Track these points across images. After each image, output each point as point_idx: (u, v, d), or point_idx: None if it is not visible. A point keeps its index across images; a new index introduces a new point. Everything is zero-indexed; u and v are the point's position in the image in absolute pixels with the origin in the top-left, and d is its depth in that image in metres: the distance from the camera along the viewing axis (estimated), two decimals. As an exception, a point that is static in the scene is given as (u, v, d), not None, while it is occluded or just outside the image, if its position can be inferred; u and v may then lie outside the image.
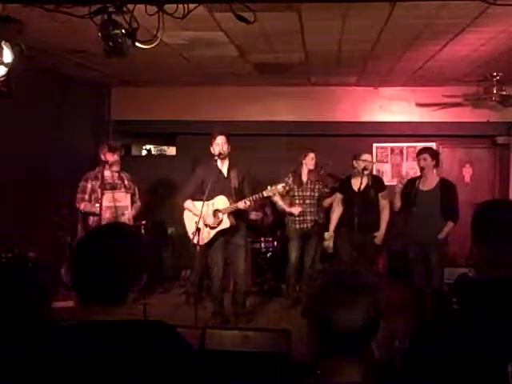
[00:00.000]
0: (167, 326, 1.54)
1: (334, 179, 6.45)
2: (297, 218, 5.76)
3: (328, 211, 5.94)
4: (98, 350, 1.40)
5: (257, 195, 4.93)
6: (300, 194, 5.75)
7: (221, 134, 4.98)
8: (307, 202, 5.74)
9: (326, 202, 5.95)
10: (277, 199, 5.73)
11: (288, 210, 5.73)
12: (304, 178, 5.80)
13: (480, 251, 1.65)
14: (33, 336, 1.46)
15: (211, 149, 5.02)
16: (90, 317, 1.49)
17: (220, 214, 4.98)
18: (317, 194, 5.80)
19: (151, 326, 1.54)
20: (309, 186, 5.77)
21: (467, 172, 7.56)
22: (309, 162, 5.74)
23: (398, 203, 5.29)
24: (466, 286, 1.65)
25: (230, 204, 4.95)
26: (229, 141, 5.01)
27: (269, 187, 4.93)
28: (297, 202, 5.76)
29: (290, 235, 5.88)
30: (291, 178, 5.76)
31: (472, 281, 1.66)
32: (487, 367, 1.40)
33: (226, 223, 5.00)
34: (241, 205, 4.90)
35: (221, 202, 4.98)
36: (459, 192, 5.24)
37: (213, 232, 5.02)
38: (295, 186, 5.74)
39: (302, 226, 5.76)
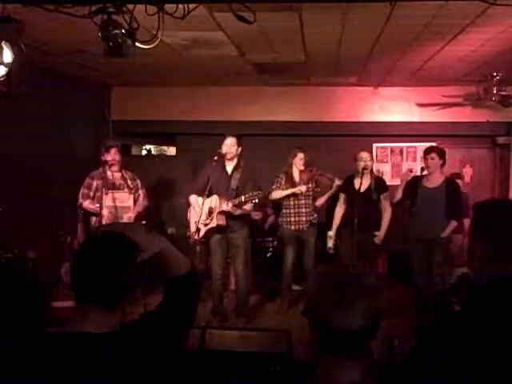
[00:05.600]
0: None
1: (327, 179, 6.27)
2: (292, 219, 5.66)
3: (329, 211, 5.90)
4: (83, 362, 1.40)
5: (238, 199, 4.93)
6: (293, 195, 5.64)
7: (232, 135, 5.09)
8: (301, 202, 5.63)
9: (319, 202, 5.81)
10: (277, 193, 5.63)
11: (294, 190, 5.54)
12: (296, 178, 5.68)
13: (479, 250, 1.65)
14: (23, 343, 1.46)
15: (221, 147, 5.08)
16: (87, 318, 1.50)
17: (212, 213, 5.03)
18: (311, 194, 5.70)
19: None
20: (302, 186, 5.65)
21: (467, 172, 7.56)
22: (298, 162, 5.64)
23: (399, 194, 5.30)
24: (467, 286, 1.65)
25: (219, 205, 4.98)
26: (239, 143, 5.10)
27: (248, 194, 4.90)
28: (291, 203, 5.65)
29: (285, 239, 5.79)
30: (284, 179, 5.68)
31: (472, 280, 1.65)
32: (490, 369, 1.39)
33: (213, 223, 5.04)
34: (223, 207, 4.93)
35: (214, 201, 5.03)
36: (462, 192, 5.25)
37: (205, 229, 5.07)
38: (288, 187, 5.63)
39: (296, 227, 5.66)
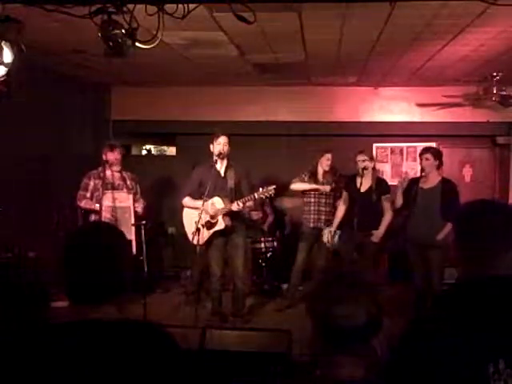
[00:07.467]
0: (154, 326, 1.52)
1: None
2: (311, 217, 5.74)
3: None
4: (82, 351, 1.39)
5: (249, 197, 4.92)
6: (315, 192, 5.73)
7: (224, 134, 5.04)
8: (322, 201, 5.74)
9: (339, 203, 5.84)
10: (298, 184, 5.73)
11: (318, 187, 5.66)
12: (320, 178, 5.78)
13: (464, 250, 1.64)
14: (23, 337, 1.45)
15: (211, 147, 5.06)
16: (81, 317, 1.48)
17: (215, 216, 4.99)
18: (332, 194, 5.78)
19: (135, 326, 1.52)
20: (327, 186, 5.73)
21: (467, 172, 7.56)
22: (324, 162, 5.73)
23: (399, 200, 5.29)
24: (453, 286, 1.64)
25: (225, 205, 4.96)
26: (229, 142, 5.06)
27: (260, 189, 4.88)
28: (312, 200, 5.75)
29: (302, 235, 5.84)
30: (307, 177, 5.77)
31: (457, 280, 1.65)
32: (468, 368, 1.38)
33: (221, 224, 5.01)
34: (234, 207, 4.91)
35: (216, 202, 4.99)
36: (459, 192, 5.23)
37: (209, 232, 5.04)
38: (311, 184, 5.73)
39: (315, 224, 5.74)
